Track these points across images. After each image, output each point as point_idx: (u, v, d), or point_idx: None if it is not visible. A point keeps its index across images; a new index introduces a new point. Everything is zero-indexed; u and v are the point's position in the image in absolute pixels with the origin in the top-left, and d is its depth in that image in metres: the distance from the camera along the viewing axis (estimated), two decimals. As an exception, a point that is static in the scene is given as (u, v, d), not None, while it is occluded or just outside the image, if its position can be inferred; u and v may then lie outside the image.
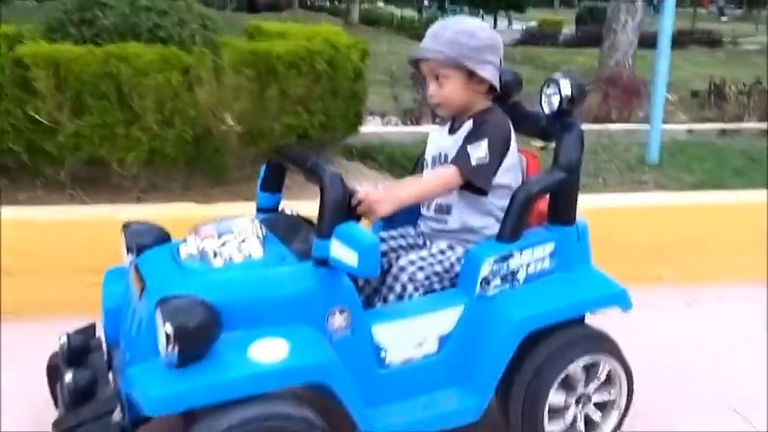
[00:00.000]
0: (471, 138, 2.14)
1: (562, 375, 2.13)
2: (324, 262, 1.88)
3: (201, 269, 1.92)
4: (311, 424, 1.79)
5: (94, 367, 2.02)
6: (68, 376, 1.87)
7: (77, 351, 2.07)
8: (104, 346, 2.12)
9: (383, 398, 2.01)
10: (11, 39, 3.74)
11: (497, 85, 2.19)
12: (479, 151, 2.10)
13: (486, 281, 2.09)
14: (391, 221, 2.37)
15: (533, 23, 13.23)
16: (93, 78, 3.61)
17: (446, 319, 2.07)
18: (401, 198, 2.05)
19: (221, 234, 2.00)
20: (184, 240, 2.04)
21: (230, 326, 1.80)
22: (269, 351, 1.79)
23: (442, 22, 2.21)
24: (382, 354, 2.00)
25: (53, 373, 2.12)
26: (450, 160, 2.15)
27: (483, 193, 2.14)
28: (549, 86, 2.24)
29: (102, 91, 3.63)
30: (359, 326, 1.95)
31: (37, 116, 3.62)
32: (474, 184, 2.11)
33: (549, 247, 2.18)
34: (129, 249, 2.18)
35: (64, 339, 2.06)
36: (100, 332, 2.20)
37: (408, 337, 2.03)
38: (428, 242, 2.32)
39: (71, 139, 3.66)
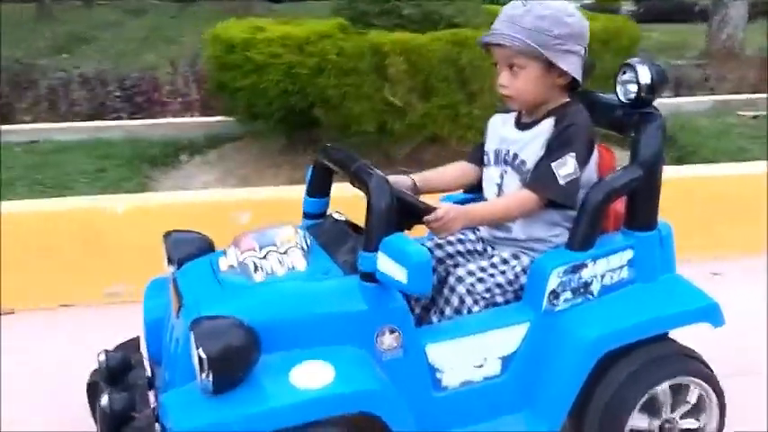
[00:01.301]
0: (555, 149, 1.91)
1: (644, 399, 1.89)
2: (371, 277, 1.70)
3: (241, 284, 1.78)
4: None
5: (134, 386, 1.91)
6: (104, 399, 1.76)
7: (117, 368, 1.96)
8: (146, 362, 2.01)
9: (441, 423, 1.83)
10: (322, 33, 3.97)
11: (579, 78, 1.95)
12: (567, 168, 1.88)
13: (555, 294, 1.87)
14: None
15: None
16: (438, 63, 3.90)
17: (510, 337, 1.86)
18: (473, 219, 1.91)
19: (263, 246, 1.85)
20: (224, 252, 1.90)
21: (271, 347, 1.65)
22: (312, 377, 1.63)
23: (524, 4, 1.92)
24: (438, 375, 1.82)
25: (93, 391, 2.02)
26: (525, 175, 1.94)
27: (571, 208, 1.93)
28: (624, 73, 1.99)
29: (446, 74, 3.92)
30: (411, 345, 1.77)
31: (393, 99, 3.92)
32: (563, 205, 1.91)
33: (627, 254, 1.95)
34: (170, 261, 2.06)
35: (102, 357, 1.96)
36: (143, 347, 2.10)
37: (466, 357, 1.83)
38: (489, 249, 2.12)
39: (419, 120, 3.98)
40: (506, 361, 1.87)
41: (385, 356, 1.75)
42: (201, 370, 1.56)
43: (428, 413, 1.80)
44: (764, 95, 5.99)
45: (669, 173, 3.31)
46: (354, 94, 3.89)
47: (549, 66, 1.90)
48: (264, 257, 1.83)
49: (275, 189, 3.71)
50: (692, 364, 1.94)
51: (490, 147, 2.11)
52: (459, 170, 2.21)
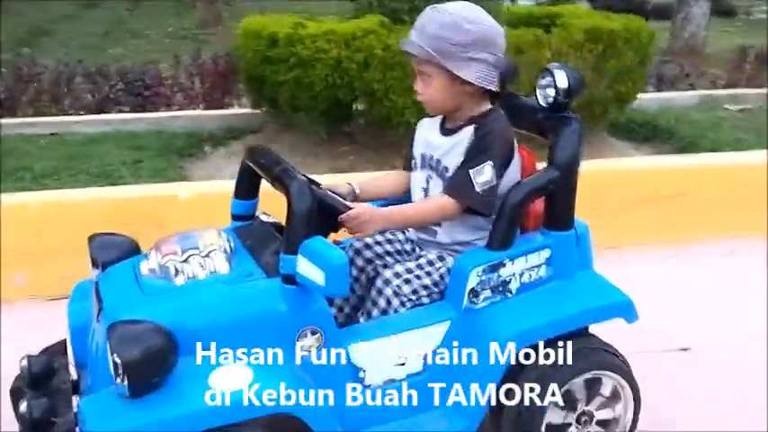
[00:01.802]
0: (473, 157, 1.94)
1: (560, 392, 1.96)
2: (292, 279, 1.72)
3: (161, 288, 1.78)
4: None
5: (57, 391, 1.89)
6: (23, 405, 1.75)
7: (40, 374, 1.94)
8: (72, 366, 2.00)
9: (363, 422, 1.86)
10: (367, 29, 4.07)
11: (490, 86, 1.96)
12: (484, 176, 1.91)
13: (475, 293, 1.92)
14: None
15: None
16: None
17: (431, 335, 1.90)
18: (391, 221, 1.94)
19: (184, 249, 1.85)
20: (146, 256, 1.90)
21: (191, 350, 1.67)
22: (231, 379, 1.64)
23: (431, 11, 1.94)
24: (360, 374, 1.85)
25: (16, 397, 2.00)
26: (446, 182, 1.98)
27: (486, 215, 1.97)
28: (543, 77, 2.04)
29: None
30: (333, 346, 1.80)
31: None
32: (478, 213, 1.95)
33: (545, 253, 2.00)
34: (94, 264, 2.05)
35: (25, 362, 1.94)
36: (70, 350, 2.08)
37: (388, 356, 1.87)
38: (417, 249, 2.15)
39: None
40: (427, 358, 1.91)
41: (306, 357, 1.77)
42: (117, 375, 1.56)
43: (351, 411, 1.83)
44: (748, 90, 6.36)
45: (680, 162, 4.04)
46: (398, 88, 4.01)
47: (454, 75, 1.92)
48: (186, 261, 1.83)
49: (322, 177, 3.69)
50: (607, 357, 2.01)
51: (417, 151, 2.14)
52: (397, 178, 2.24)
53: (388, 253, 2.18)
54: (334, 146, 4.54)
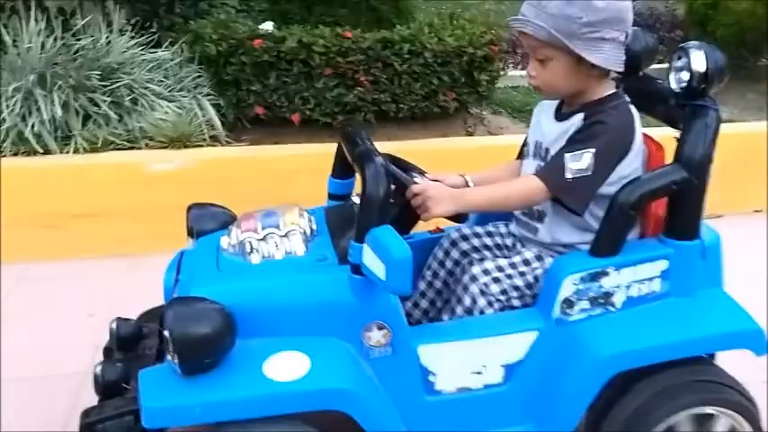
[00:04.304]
0: (576, 141, 1.71)
1: (664, 427, 1.69)
2: (358, 269, 1.61)
3: (235, 265, 1.74)
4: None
5: (141, 356, 1.93)
6: (98, 368, 1.79)
7: (128, 337, 1.99)
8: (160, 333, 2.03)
9: (432, 428, 1.72)
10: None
11: (618, 68, 1.73)
12: (580, 162, 1.67)
13: (569, 303, 1.70)
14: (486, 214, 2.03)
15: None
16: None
17: (514, 344, 1.71)
18: (467, 202, 1.75)
19: (264, 227, 1.80)
20: (228, 231, 1.87)
21: (250, 333, 1.60)
22: (286, 368, 1.56)
23: None
24: (431, 378, 1.70)
25: (105, 356, 2.07)
26: (542, 166, 1.77)
27: (576, 212, 1.73)
28: (678, 58, 1.75)
29: None
30: (401, 345, 1.66)
31: None
32: (564, 203, 1.72)
33: (661, 265, 1.73)
34: (189, 233, 2.06)
35: (114, 325, 2.00)
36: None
37: (463, 362, 1.70)
38: (518, 245, 1.95)
39: None
40: (510, 370, 1.72)
41: (372, 353, 1.65)
42: (168, 352, 1.54)
43: (418, 416, 1.69)
44: None
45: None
46: None
47: (580, 57, 1.68)
48: (263, 239, 1.77)
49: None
50: (728, 393, 1.71)
51: (531, 138, 1.93)
52: (514, 168, 2.02)
53: (487, 246, 2.00)
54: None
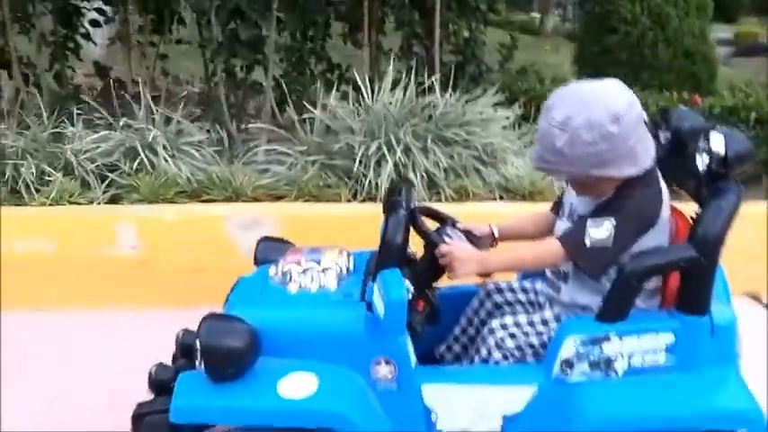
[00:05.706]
0: (601, 210, 1.79)
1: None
2: (371, 306, 1.79)
3: (274, 292, 1.97)
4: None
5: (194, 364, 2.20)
6: (152, 368, 2.08)
7: (189, 345, 2.27)
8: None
9: (431, 465, 1.84)
10: None
11: (649, 160, 1.78)
12: (600, 231, 1.75)
13: (569, 363, 1.77)
14: None
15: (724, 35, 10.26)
16: None
17: (513, 396, 1.80)
18: (489, 263, 1.88)
19: (308, 261, 2.02)
20: (277, 262, 2.11)
21: (272, 352, 1.82)
22: (296, 387, 1.76)
23: (556, 129, 1.70)
24: (433, 417, 1.83)
25: (173, 361, 2.36)
26: (565, 230, 1.87)
27: (588, 274, 1.82)
28: (703, 139, 1.80)
29: None
30: (406, 381, 1.81)
31: None
32: (582, 268, 1.81)
33: (666, 338, 1.76)
34: (255, 262, 2.33)
35: (180, 334, 2.29)
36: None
37: (465, 405, 1.82)
38: (546, 304, 2.04)
39: None
40: (509, 420, 1.81)
41: (379, 386, 1.81)
42: (196, 359, 1.78)
43: (415, 453, 1.83)
44: None
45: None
46: None
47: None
48: (304, 272, 2.00)
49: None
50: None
51: (567, 198, 2.03)
52: (540, 219, 2.14)
53: (520, 302, 2.11)
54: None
